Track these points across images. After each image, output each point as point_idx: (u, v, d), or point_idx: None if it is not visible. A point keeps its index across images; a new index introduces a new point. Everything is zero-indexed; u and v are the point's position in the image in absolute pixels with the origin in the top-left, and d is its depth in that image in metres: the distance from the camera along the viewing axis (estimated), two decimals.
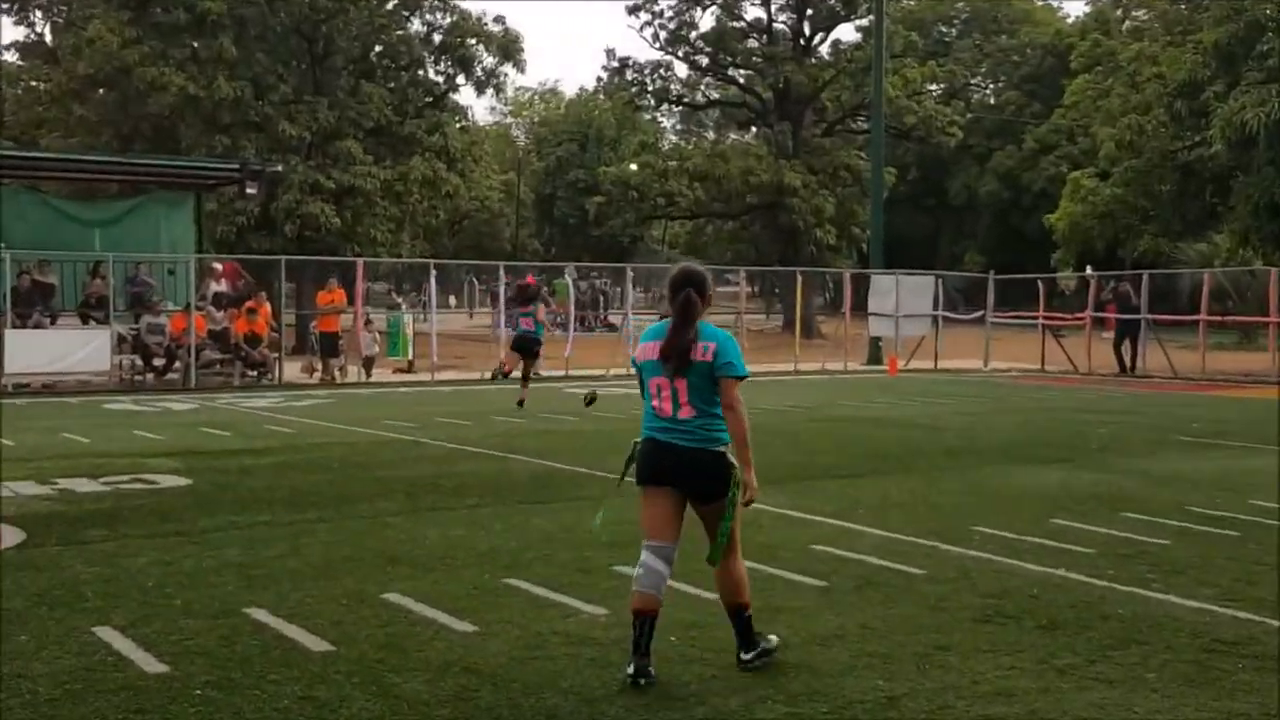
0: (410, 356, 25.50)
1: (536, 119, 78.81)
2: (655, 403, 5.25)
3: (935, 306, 29.81)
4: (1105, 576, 6.98)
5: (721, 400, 5.17)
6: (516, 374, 17.22)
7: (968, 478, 10.87)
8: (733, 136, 61.93)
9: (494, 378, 18.53)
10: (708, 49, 45.87)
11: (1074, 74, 52.47)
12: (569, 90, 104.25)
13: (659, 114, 61.12)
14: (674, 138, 72.90)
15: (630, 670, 5.06)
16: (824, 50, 48.56)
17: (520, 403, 16.83)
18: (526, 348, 17.12)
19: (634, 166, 45.44)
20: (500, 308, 24.99)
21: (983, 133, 61.03)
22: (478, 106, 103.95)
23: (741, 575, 5.32)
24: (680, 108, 54.23)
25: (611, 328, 41.74)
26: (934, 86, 54.44)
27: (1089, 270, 34.63)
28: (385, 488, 9.91)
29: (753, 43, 46.80)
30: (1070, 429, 14.96)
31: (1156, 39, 35.02)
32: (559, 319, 33.86)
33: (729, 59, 46.47)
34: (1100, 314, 28.85)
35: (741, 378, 5.19)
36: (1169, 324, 28.29)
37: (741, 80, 47.70)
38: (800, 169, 43.18)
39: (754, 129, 53.34)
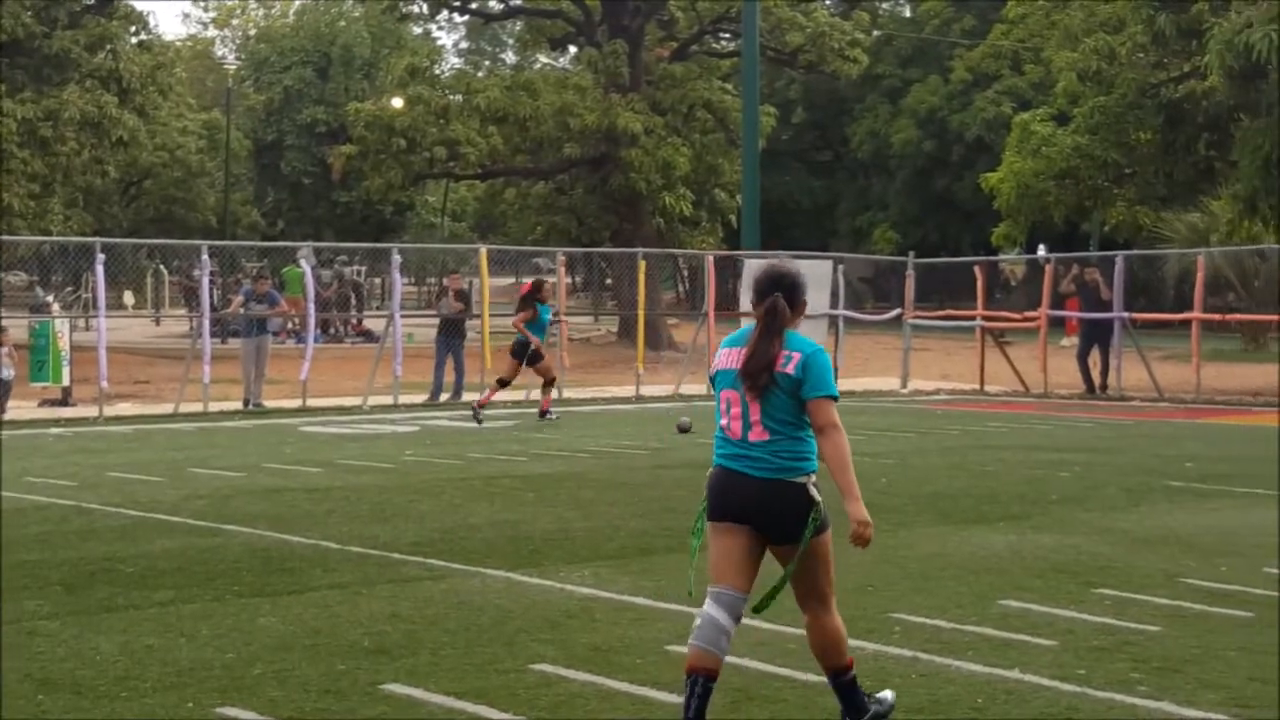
0: (65, 382, 24.92)
1: (253, 32, 77.80)
2: (724, 421, 6.19)
3: (834, 303, 30.35)
4: (1074, 678, 7.21)
5: (815, 423, 6.09)
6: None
7: (883, 545, 11.05)
8: (543, 60, 62.15)
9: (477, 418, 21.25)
10: None
11: None
12: None
13: (435, 26, 61.04)
14: (458, 61, 72.91)
15: None
16: None
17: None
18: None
19: (399, 102, 45.09)
20: (204, 308, 24.57)
21: (896, 58, 62.37)
22: (164, 13, 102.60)
23: (840, 632, 6.30)
24: (466, 18, 54.19)
25: (369, 336, 41.45)
26: None
27: (1042, 251, 35.73)
28: (31, 579, 9.69)
29: None
30: (1022, 474, 15.40)
31: None
32: (290, 324, 33.60)
33: None
34: (1060, 312, 29.77)
35: (834, 398, 6.10)
36: (1152, 325, 29.32)
37: None
38: (641, 107, 43.45)
39: (573, 50, 53.53)
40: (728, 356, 6.22)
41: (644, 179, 43.14)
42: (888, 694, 6.46)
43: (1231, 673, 7.35)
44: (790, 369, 6.05)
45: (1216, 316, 31.78)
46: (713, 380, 6.31)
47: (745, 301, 29.73)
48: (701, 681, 5.99)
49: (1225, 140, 32.46)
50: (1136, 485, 14.62)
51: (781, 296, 6.12)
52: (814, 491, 6.11)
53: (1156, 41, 32.03)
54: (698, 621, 6.09)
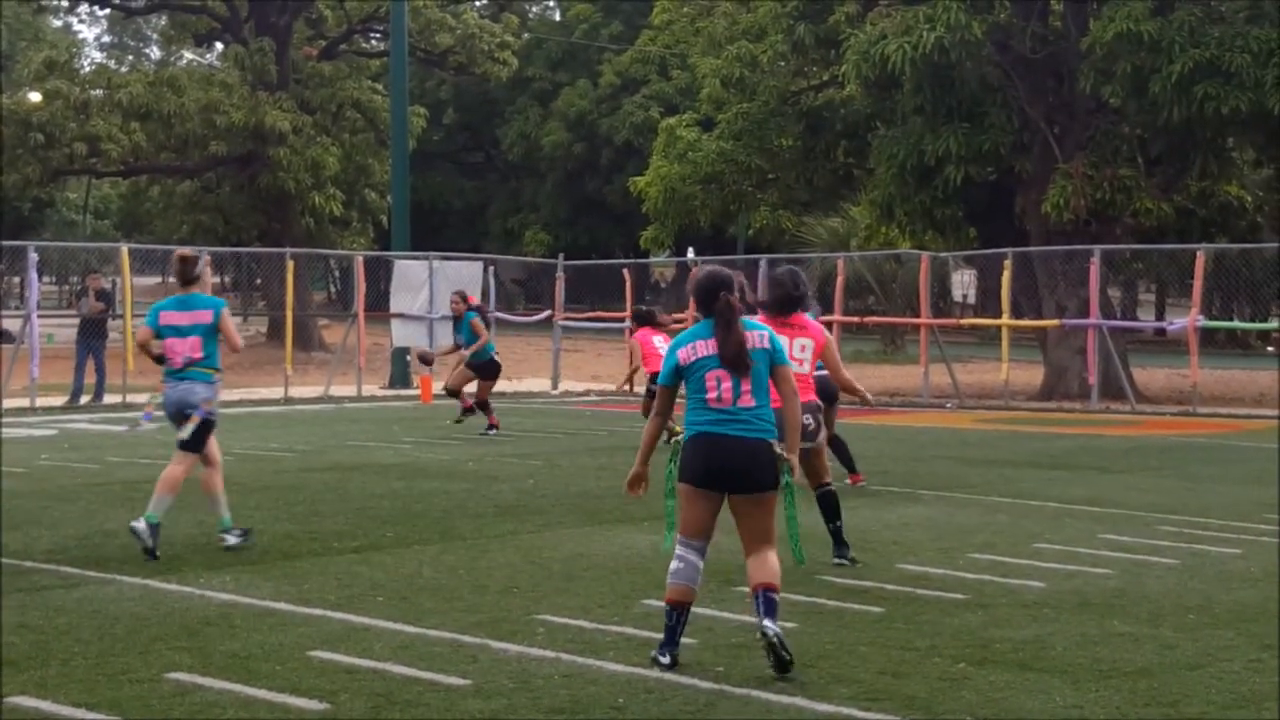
0: None
1: None
2: (712, 395, 7.52)
3: (486, 304, 30.38)
4: (713, 676, 7.34)
5: (784, 386, 7.65)
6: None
7: (528, 546, 11.12)
8: (188, 56, 60.83)
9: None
10: None
11: None
12: None
13: (76, 19, 59.16)
14: (99, 55, 70.76)
15: (666, 660, 7.45)
16: None
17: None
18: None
19: (37, 96, 43.59)
20: None
21: (546, 62, 62.82)
22: None
23: (776, 563, 7.59)
24: (107, 10, 52.71)
25: (5, 336, 39.84)
26: None
27: (691, 254, 36.34)
28: None
29: None
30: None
31: None
32: None
33: None
34: None
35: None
36: None
37: None
38: (289, 106, 42.92)
39: (219, 46, 52.52)
40: (699, 347, 7.57)
41: (293, 178, 42.63)
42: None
43: (863, 667, 7.55)
44: (765, 343, 7.59)
45: (855, 319, 32.81)
46: (685, 370, 7.58)
47: (397, 302, 29.60)
48: (684, 610, 7.54)
49: (863, 148, 33.49)
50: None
51: (726, 293, 7.50)
52: (780, 450, 7.52)
53: (796, 50, 32.86)
54: (677, 565, 7.51)
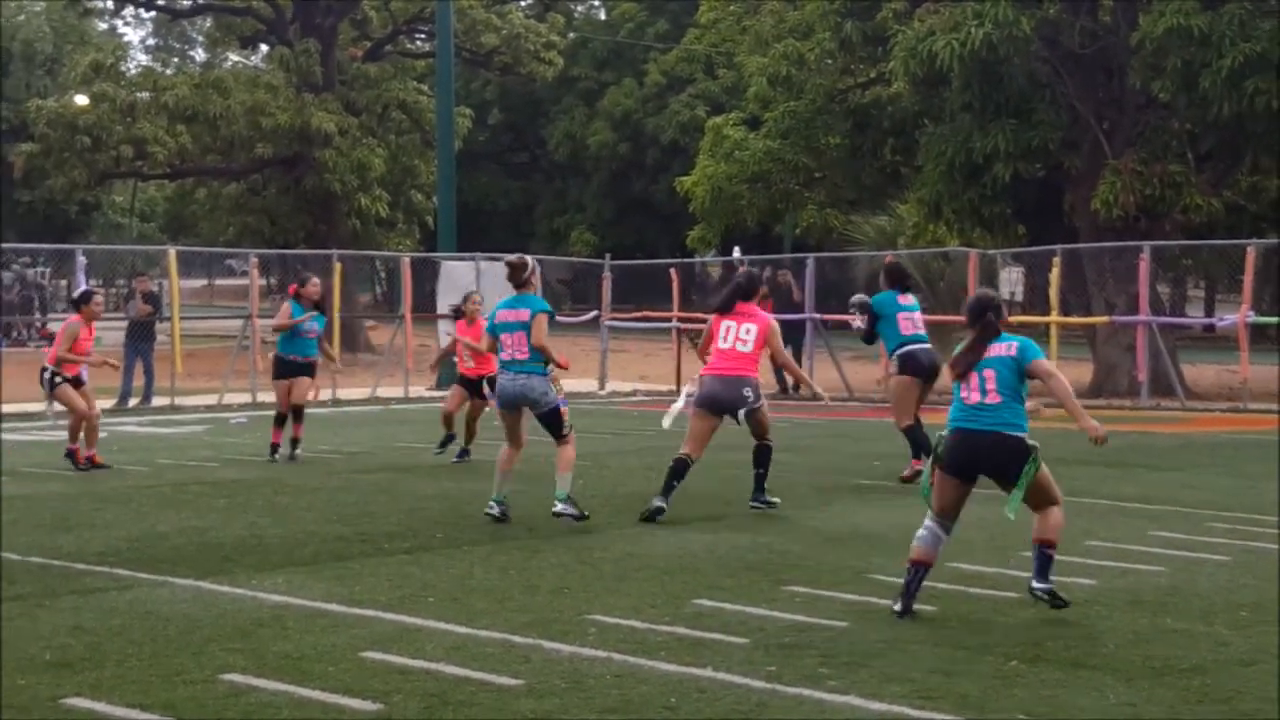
0: None
1: None
2: (964, 394, 8.84)
3: None
4: (765, 675, 7.36)
5: (1042, 370, 8.90)
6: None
7: (579, 546, 11.17)
8: (234, 58, 61.10)
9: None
10: None
11: None
12: None
13: (120, 21, 59.53)
14: (145, 58, 71.19)
15: (899, 609, 8.64)
16: None
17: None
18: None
19: (83, 99, 43.85)
20: None
21: (591, 61, 62.85)
22: None
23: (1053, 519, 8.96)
24: (152, 13, 52.99)
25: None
26: None
27: (737, 253, 36.34)
28: None
29: None
30: (717, 474, 15.64)
31: None
32: None
33: None
34: None
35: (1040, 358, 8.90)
36: (842, 325, 30.07)
37: None
38: (335, 108, 43.06)
39: (264, 48, 52.75)
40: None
41: (339, 180, 42.78)
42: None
43: (915, 665, 7.58)
44: (1012, 352, 8.82)
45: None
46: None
47: (445, 303, 29.66)
48: (923, 570, 8.75)
49: (911, 145, 33.42)
50: (827, 484, 15.00)
51: (993, 314, 8.95)
52: (1030, 441, 8.79)
53: (844, 48, 32.86)
54: (921, 533, 8.81)
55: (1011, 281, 55.56)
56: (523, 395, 12.18)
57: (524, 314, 12.29)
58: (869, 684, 7.22)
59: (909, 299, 15.49)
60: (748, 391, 12.65)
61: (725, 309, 12.97)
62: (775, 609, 8.85)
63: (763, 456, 13.00)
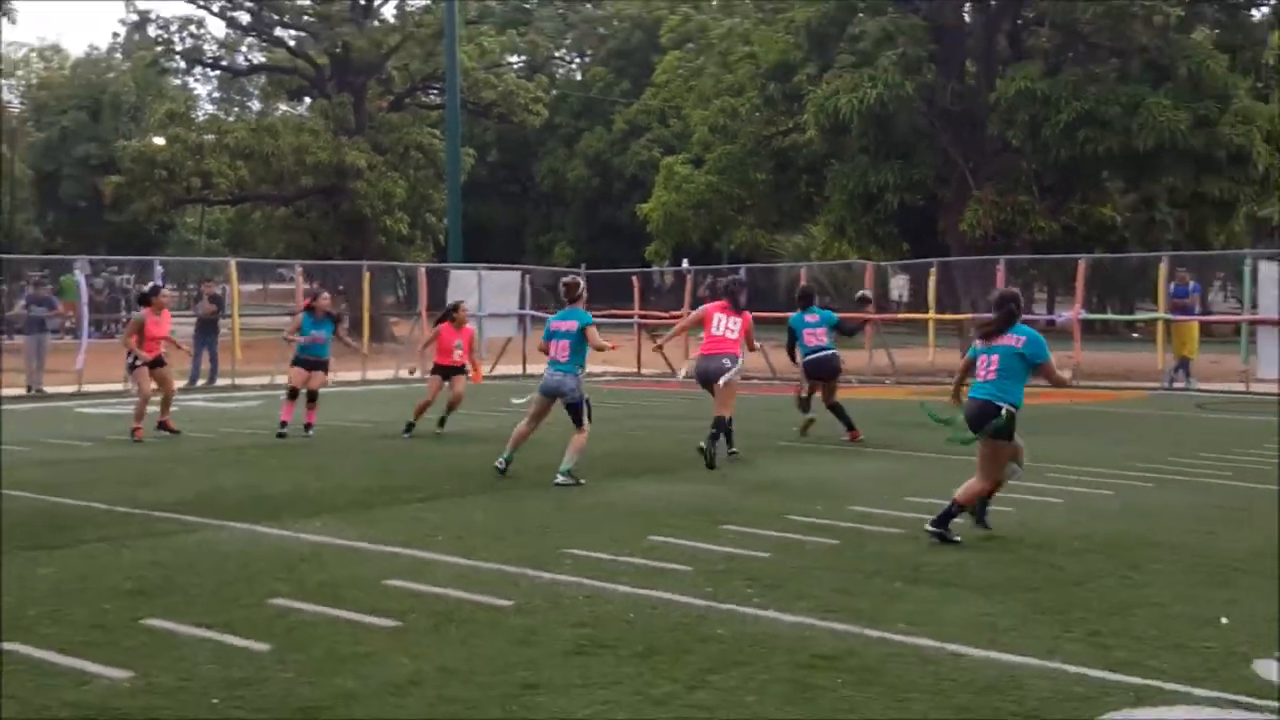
0: None
1: (35, 80, 74.09)
2: (981, 373, 9.24)
3: (523, 305, 30.42)
4: (704, 595, 7.40)
5: (1042, 371, 9.31)
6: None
7: (559, 497, 11.19)
8: (283, 108, 60.73)
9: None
10: (248, 4, 44.71)
11: (664, 50, 54.85)
12: (75, 49, 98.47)
13: (191, 78, 59.07)
14: (210, 107, 70.60)
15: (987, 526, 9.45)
16: (388, 12, 48.51)
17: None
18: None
19: (160, 140, 43.53)
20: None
21: (570, 112, 62.72)
22: None
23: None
24: (217, 72, 52.62)
25: None
26: (515, 59, 55.42)
27: (685, 264, 36.37)
28: None
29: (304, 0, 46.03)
30: (669, 438, 15.68)
31: (749, 15, 37.02)
32: (66, 323, 32.15)
33: (275, 17, 45.48)
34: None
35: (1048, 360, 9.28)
36: (768, 322, 30.12)
37: (291, 43, 46.76)
38: (365, 147, 42.88)
39: (308, 100, 52.49)
40: (979, 343, 9.44)
41: (368, 205, 42.66)
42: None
43: (821, 586, 7.62)
44: (1019, 346, 9.18)
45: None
46: (974, 354, 9.43)
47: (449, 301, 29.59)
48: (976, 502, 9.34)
49: (821, 180, 33.60)
50: (755, 445, 14.99)
51: (1013, 305, 9.34)
52: (1003, 410, 9.07)
53: (768, 104, 33.02)
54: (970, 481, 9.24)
55: (899, 287, 55.80)
56: (558, 388, 12.33)
57: (572, 325, 12.37)
58: (784, 601, 7.26)
59: (814, 316, 16.05)
60: (726, 362, 13.33)
61: (735, 307, 13.70)
62: (713, 543, 8.87)
63: (720, 425, 13.33)
